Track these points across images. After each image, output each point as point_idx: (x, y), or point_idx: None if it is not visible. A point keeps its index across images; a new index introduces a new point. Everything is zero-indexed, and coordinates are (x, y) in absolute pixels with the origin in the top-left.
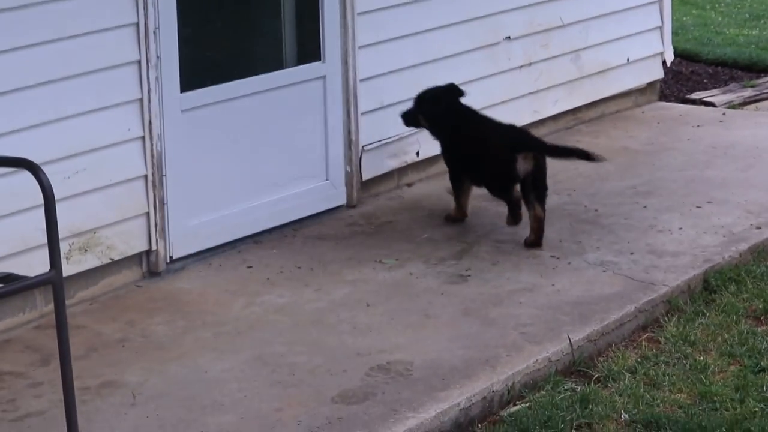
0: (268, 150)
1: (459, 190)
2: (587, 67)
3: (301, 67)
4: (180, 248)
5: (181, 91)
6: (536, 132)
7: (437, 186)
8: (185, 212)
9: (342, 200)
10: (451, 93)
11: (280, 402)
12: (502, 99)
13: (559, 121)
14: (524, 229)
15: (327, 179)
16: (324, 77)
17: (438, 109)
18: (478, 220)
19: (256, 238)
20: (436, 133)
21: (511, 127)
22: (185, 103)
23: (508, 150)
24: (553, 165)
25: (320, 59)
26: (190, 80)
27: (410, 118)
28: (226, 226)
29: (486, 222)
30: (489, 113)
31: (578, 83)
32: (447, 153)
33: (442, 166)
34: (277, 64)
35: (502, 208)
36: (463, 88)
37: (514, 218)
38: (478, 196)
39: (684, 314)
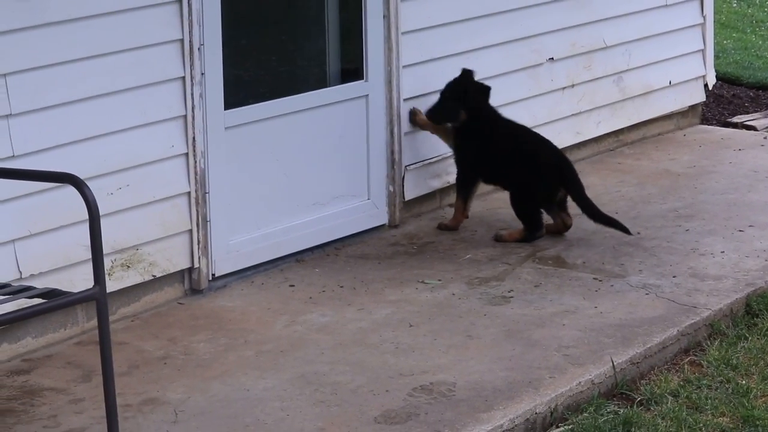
0: (311, 168)
1: (470, 193)
2: (630, 90)
3: (344, 85)
4: (222, 266)
5: (225, 108)
6: (578, 154)
7: (479, 206)
8: (228, 230)
9: (384, 220)
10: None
11: (322, 421)
12: (545, 120)
13: (602, 143)
14: (568, 250)
15: (369, 198)
16: (367, 96)
17: (484, 102)
18: (518, 243)
19: (298, 257)
20: (467, 130)
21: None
22: (229, 120)
23: (557, 179)
24: (595, 187)
25: (363, 78)
26: (234, 98)
27: (448, 113)
28: (268, 245)
29: (527, 244)
30: None
31: (620, 105)
32: (475, 154)
33: (484, 187)
34: (320, 83)
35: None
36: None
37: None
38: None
39: (726, 338)
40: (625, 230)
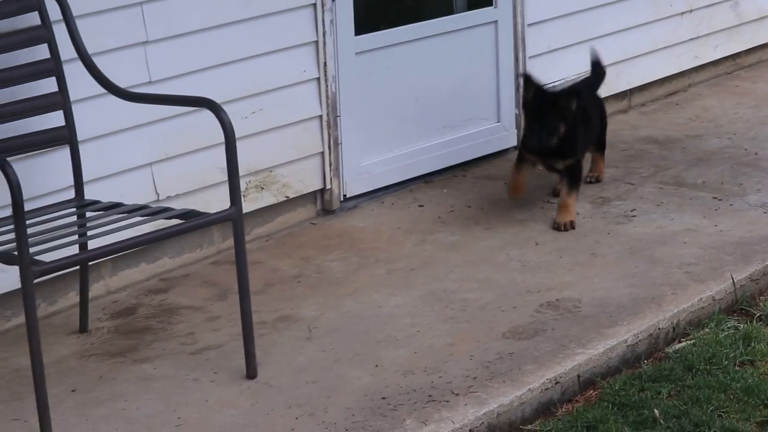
0: (440, 92)
1: None
2: (746, 14)
3: (476, 11)
4: (353, 187)
5: (356, 34)
6: (696, 77)
7: None
8: (358, 152)
9: (513, 142)
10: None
11: (452, 337)
12: (664, 44)
13: (719, 67)
14: (687, 171)
15: (498, 121)
16: (496, 22)
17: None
18: (641, 162)
19: (426, 178)
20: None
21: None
22: (359, 45)
23: None
24: (713, 110)
25: (492, 4)
26: (364, 24)
27: (552, 133)
28: (398, 167)
29: (649, 164)
30: (651, 58)
31: (737, 30)
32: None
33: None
34: (447, 9)
35: (666, 150)
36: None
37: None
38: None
39: None
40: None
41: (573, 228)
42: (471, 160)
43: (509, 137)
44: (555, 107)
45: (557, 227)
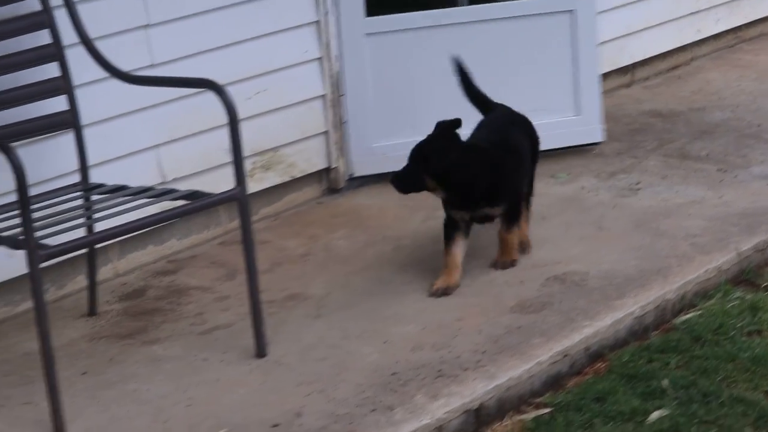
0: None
1: None
2: None
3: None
4: (360, 167)
5: (367, 15)
6: (699, 51)
7: (608, 103)
8: (369, 133)
9: (597, 137)
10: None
11: (460, 312)
12: (666, 18)
13: (721, 40)
14: (692, 143)
15: (578, 114)
16: (572, 11)
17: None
18: (645, 136)
19: None
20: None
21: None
22: (370, 27)
23: None
24: (716, 83)
25: None
26: (378, 6)
27: (413, 182)
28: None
29: (653, 138)
30: (653, 32)
31: (738, 3)
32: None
33: (607, 85)
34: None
35: (669, 124)
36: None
37: None
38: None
39: None
40: None
41: (513, 266)
42: None
43: (591, 132)
44: (425, 161)
45: (495, 266)
